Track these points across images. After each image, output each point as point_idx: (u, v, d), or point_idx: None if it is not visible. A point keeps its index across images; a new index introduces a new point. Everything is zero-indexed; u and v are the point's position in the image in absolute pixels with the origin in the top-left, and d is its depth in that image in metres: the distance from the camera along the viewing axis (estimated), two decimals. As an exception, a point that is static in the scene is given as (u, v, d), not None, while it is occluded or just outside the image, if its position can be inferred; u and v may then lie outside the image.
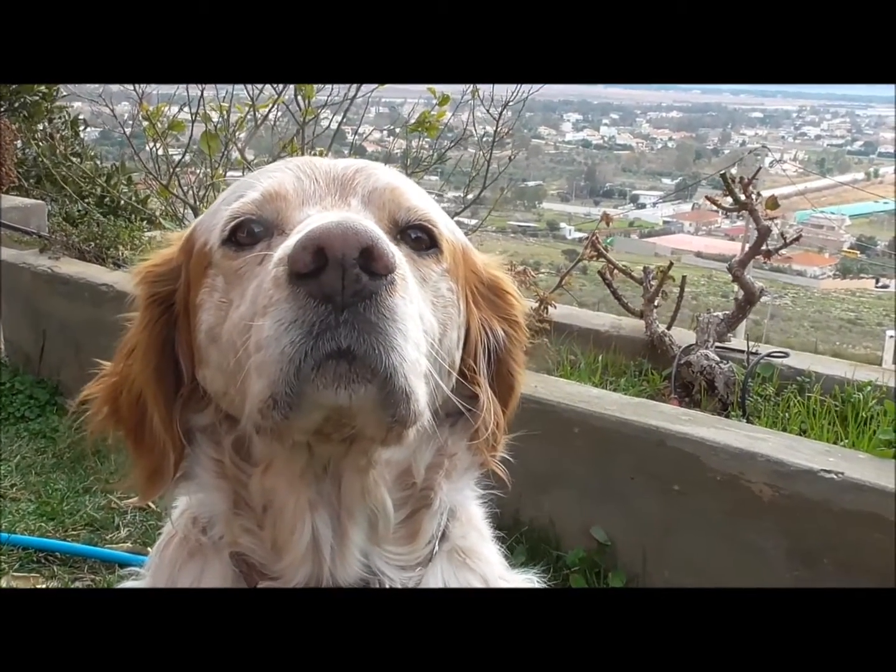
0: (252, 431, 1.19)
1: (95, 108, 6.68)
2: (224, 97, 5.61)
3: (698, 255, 41.92)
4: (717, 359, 3.93)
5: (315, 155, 4.61)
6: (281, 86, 5.40)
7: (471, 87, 5.41)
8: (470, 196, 5.82)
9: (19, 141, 7.66)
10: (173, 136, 5.80)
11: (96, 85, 5.87)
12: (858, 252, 47.52)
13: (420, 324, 1.15)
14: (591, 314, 5.01)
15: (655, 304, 4.43)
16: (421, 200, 1.31)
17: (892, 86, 1.65)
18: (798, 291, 39.85)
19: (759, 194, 4.30)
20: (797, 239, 4.69)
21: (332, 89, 5.49)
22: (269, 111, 5.63)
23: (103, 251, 5.21)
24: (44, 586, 3.27)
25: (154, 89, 5.76)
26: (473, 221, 6.62)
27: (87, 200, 6.93)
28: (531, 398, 3.24)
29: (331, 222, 1.09)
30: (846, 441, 3.39)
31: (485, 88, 5.50)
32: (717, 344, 4.17)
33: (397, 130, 6.38)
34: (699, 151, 62.28)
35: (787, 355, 4.08)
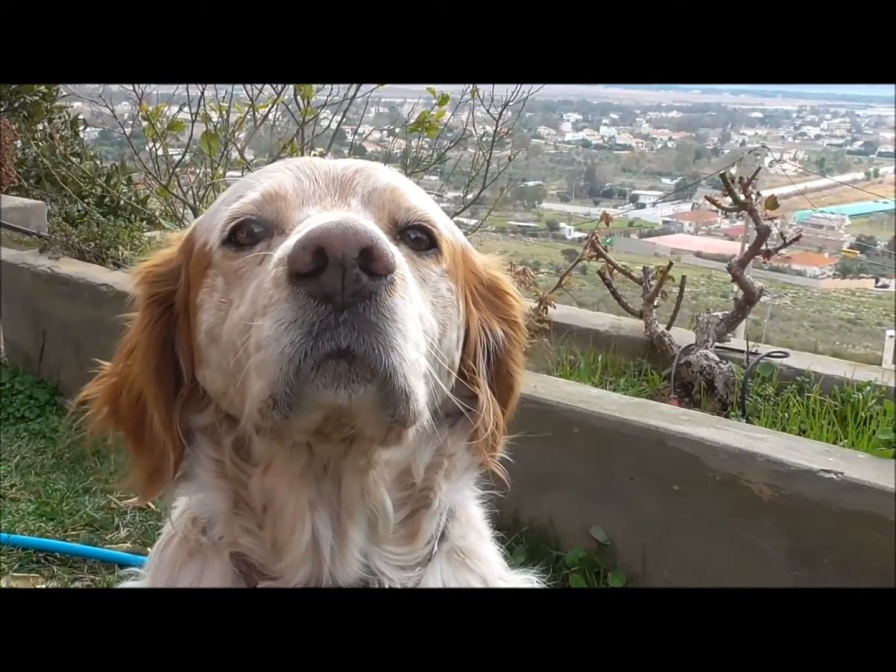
0: (252, 431, 1.19)
1: (95, 108, 6.67)
2: (223, 97, 5.62)
3: (698, 254, 41.93)
4: (717, 359, 3.93)
5: (315, 155, 4.62)
6: (280, 86, 5.40)
7: (470, 87, 5.41)
8: (470, 196, 5.83)
9: (19, 141, 7.65)
10: (173, 136, 5.80)
11: (96, 85, 5.88)
12: (858, 252, 47.51)
13: (420, 324, 1.15)
14: (591, 314, 5.01)
15: (655, 304, 4.43)
16: (420, 201, 1.31)
17: (892, 86, 1.65)
18: (798, 291, 39.85)
19: (758, 194, 4.31)
20: (797, 239, 4.69)
21: (332, 89, 5.49)
22: (269, 111, 5.63)
23: (103, 251, 5.21)
24: (43, 586, 3.27)
25: (154, 89, 5.77)
26: (473, 221, 6.62)
27: (86, 200, 6.93)
28: (531, 398, 3.24)
29: (331, 222, 1.09)
30: (846, 441, 3.39)
31: (484, 88, 5.50)
32: (717, 344, 4.17)
33: (397, 130, 6.38)
34: (699, 151, 62.27)
35: (786, 355, 4.08)
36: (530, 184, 52.14)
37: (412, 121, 5.52)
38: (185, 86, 5.40)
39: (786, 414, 3.67)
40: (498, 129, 5.65)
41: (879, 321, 32.44)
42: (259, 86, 5.45)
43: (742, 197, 4.23)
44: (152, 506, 3.42)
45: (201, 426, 1.35)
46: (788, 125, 68.75)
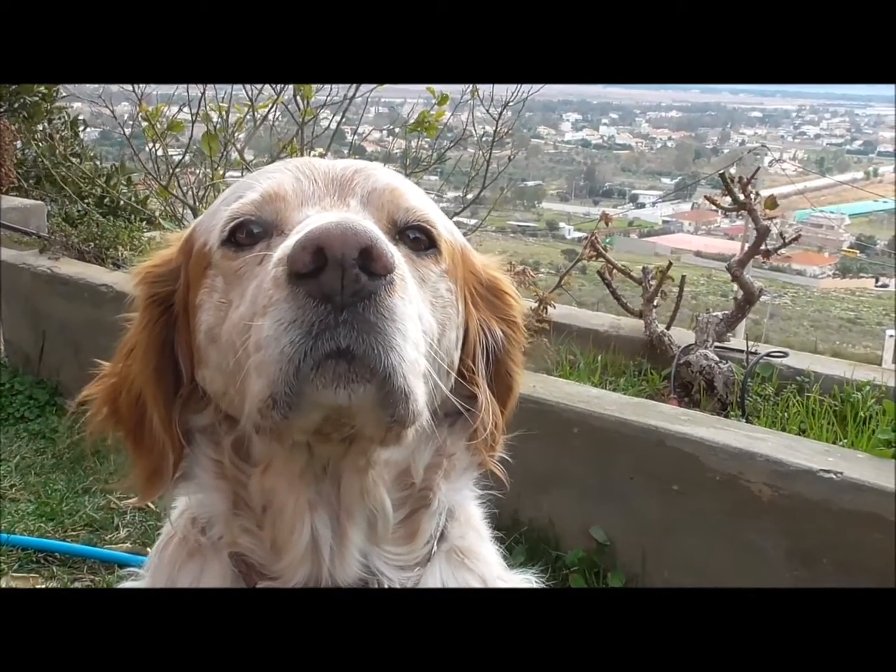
0: (251, 431, 1.19)
1: (95, 109, 6.68)
2: (223, 97, 5.62)
3: (698, 254, 41.90)
4: (717, 358, 3.93)
5: (314, 155, 4.62)
6: (280, 86, 5.40)
7: (470, 86, 5.41)
8: (469, 196, 5.83)
9: (19, 141, 7.65)
10: (173, 136, 5.80)
11: (96, 85, 5.88)
12: (858, 251, 47.49)
13: (419, 324, 1.15)
14: (591, 314, 5.02)
15: (655, 303, 4.43)
16: (420, 201, 1.31)
17: (892, 86, 1.65)
18: (797, 291, 39.84)
19: (757, 194, 4.31)
20: (796, 238, 4.70)
21: (331, 89, 5.49)
22: (269, 111, 5.63)
23: (103, 252, 5.21)
24: (43, 586, 3.27)
25: (154, 89, 5.77)
26: (473, 221, 6.62)
27: (86, 201, 6.93)
28: (530, 398, 3.24)
29: (330, 222, 1.09)
30: (845, 441, 3.39)
31: (484, 88, 5.51)
32: (717, 344, 4.17)
33: (397, 130, 6.38)
34: (698, 151, 62.22)
35: (786, 355, 4.08)
36: (530, 184, 52.11)
37: (412, 121, 5.52)
38: (185, 86, 5.40)
39: (785, 414, 3.67)
40: (498, 129, 5.66)
41: (879, 321, 32.44)
42: (259, 86, 5.45)
43: (741, 196, 4.23)
44: (152, 506, 3.42)
45: (201, 426, 1.35)
46: (788, 125, 68.72)
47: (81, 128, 8.77)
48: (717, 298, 23.34)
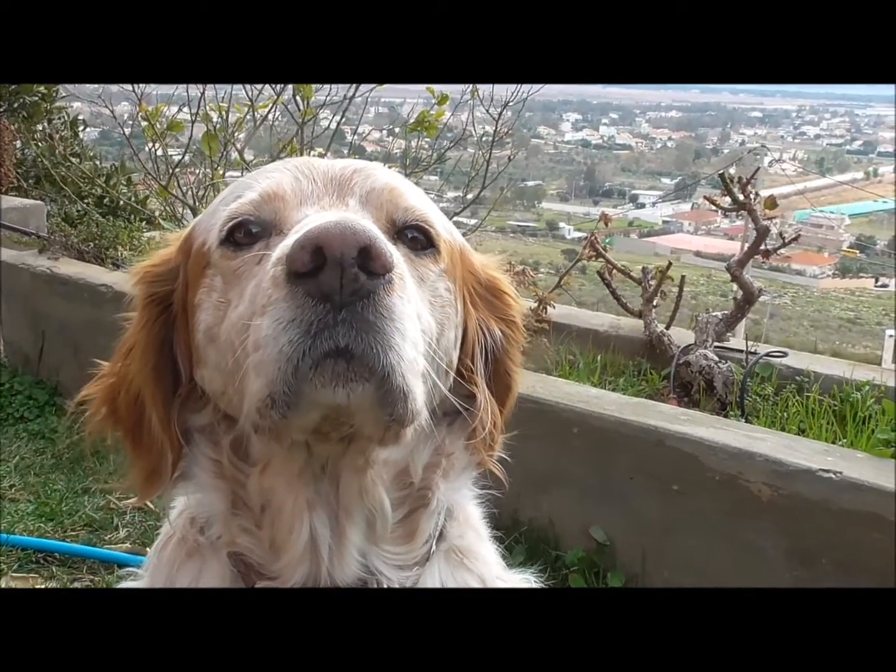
0: (250, 431, 1.20)
1: (95, 109, 6.68)
2: (223, 97, 5.62)
3: (697, 254, 41.90)
4: (716, 358, 3.93)
5: (314, 155, 4.62)
6: (280, 86, 5.40)
7: (470, 87, 5.41)
8: (469, 196, 5.83)
9: (19, 141, 7.65)
10: (172, 136, 5.80)
11: (96, 85, 5.88)
12: (858, 251, 47.49)
13: (418, 323, 1.15)
14: (590, 314, 5.02)
15: (654, 303, 4.44)
16: (418, 201, 1.31)
17: (892, 85, 1.65)
18: (797, 291, 39.84)
19: (757, 194, 4.31)
20: (796, 238, 4.70)
21: (331, 89, 5.49)
22: (269, 111, 5.63)
23: (102, 252, 5.21)
24: (43, 587, 3.27)
25: (153, 89, 5.77)
26: (473, 221, 6.62)
27: (86, 201, 6.93)
28: (530, 398, 3.24)
29: (329, 222, 1.09)
30: (845, 441, 3.40)
31: (484, 88, 5.51)
32: (716, 343, 4.17)
33: (396, 130, 6.38)
34: (698, 151, 62.21)
35: (785, 355, 4.08)
36: (530, 184, 52.11)
37: (412, 121, 5.52)
38: (184, 86, 5.40)
39: (785, 413, 3.67)
40: (498, 129, 5.66)
41: (879, 321, 32.44)
42: (259, 86, 5.45)
43: (741, 197, 4.23)
44: (151, 506, 3.42)
45: (199, 426, 1.35)
46: (788, 125, 68.71)
47: (81, 128, 8.77)
48: (717, 298, 23.35)
